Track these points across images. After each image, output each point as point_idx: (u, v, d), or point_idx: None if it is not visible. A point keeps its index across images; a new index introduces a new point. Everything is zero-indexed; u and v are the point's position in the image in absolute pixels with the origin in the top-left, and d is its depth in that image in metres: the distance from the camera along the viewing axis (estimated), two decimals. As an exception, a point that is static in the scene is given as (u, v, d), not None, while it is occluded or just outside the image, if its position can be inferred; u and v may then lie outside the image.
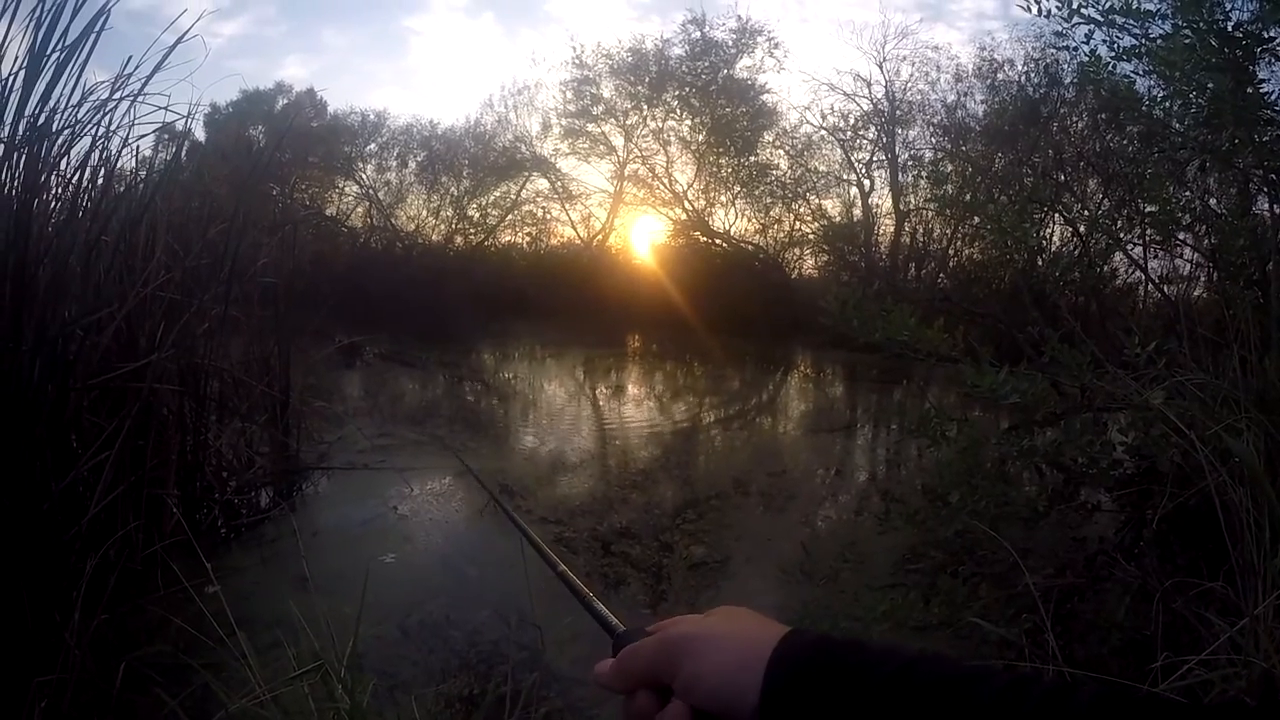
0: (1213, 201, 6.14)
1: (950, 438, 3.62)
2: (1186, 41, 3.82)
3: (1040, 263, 4.65)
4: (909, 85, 20.24)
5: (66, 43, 3.46)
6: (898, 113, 20.17)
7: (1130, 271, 9.83)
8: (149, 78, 3.99)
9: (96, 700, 2.57)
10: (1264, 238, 4.11)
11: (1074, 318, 4.09)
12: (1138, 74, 4.34)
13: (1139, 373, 3.32)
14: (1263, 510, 2.49)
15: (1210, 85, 3.91)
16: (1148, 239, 6.31)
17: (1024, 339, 3.88)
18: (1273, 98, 3.98)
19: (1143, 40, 4.08)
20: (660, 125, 22.06)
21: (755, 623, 0.68)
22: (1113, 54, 4.11)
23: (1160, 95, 4.51)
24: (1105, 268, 10.06)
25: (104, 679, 2.57)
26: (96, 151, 4.01)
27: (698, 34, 21.39)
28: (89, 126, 3.87)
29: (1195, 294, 7.10)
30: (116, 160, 4.20)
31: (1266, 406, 3.15)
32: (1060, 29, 4.63)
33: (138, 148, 4.48)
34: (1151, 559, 2.99)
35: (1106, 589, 3.23)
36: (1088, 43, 4.23)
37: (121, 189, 4.54)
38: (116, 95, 3.95)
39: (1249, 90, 3.81)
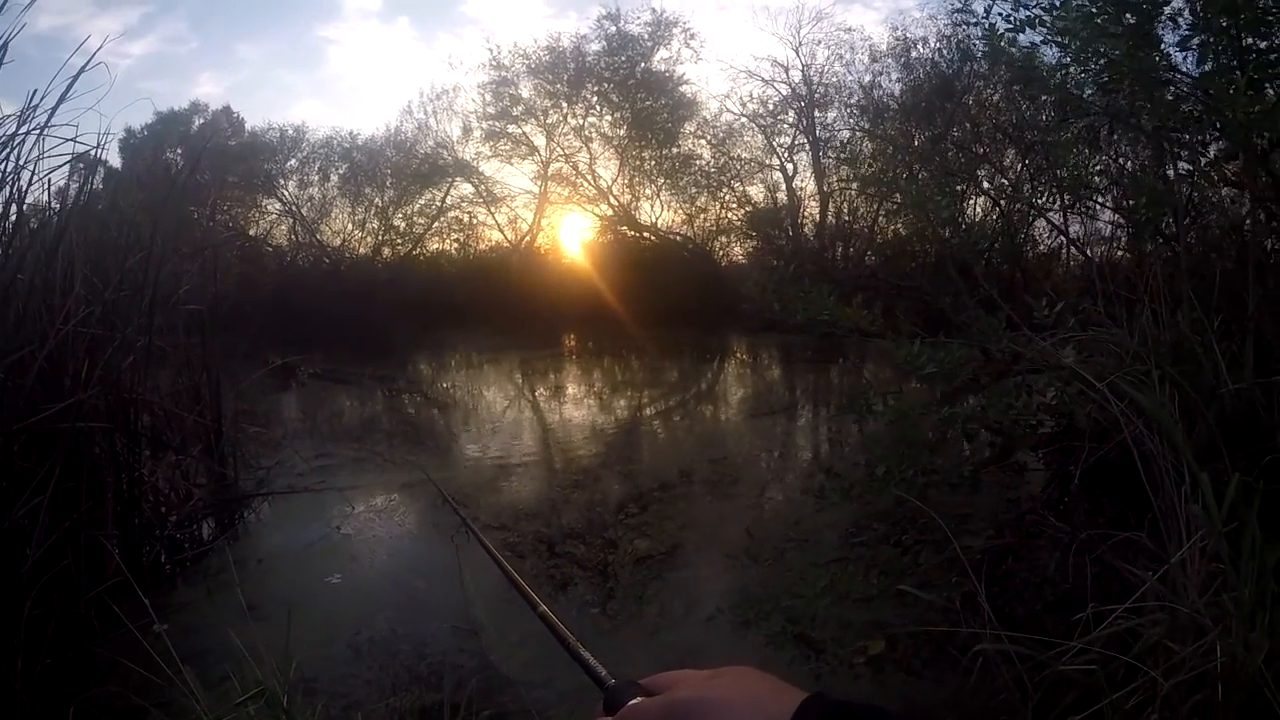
0: (1129, 164, 6.32)
1: (877, 411, 3.70)
2: (1081, 9, 3.94)
3: (958, 235, 4.74)
4: (825, 68, 20.45)
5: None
6: (816, 95, 20.36)
7: (1054, 236, 10.06)
8: (54, 109, 3.95)
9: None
10: (1174, 194, 4.25)
11: (996, 285, 4.19)
12: (1044, 43, 4.45)
13: (1051, 333, 3.42)
14: (1181, 458, 2.58)
15: (1107, 50, 4.02)
16: (1066, 204, 6.47)
17: (945, 308, 3.97)
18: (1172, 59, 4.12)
19: (1044, 11, 4.18)
20: (581, 122, 22.06)
21: (768, 687, 0.63)
22: (1009, 25, 4.21)
23: (1061, 62, 4.63)
24: (1025, 234, 10.31)
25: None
26: (7, 187, 3.95)
27: (613, 29, 21.46)
28: (-3, 163, 3.82)
29: (1119, 254, 7.27)
30: (25, 195, 4.13)
31: (1180, 358, 3.27)
32: (960, 4, 4.75)
33: (49, 180, 4.41)
34: (1079, 514, 3.09)
35: (1040, 546, 3.33)
36: (986, 16, 4.34)
37: (35, 224, 4.46)
38: (22, 130, 3.90)
39: (1144, 53, 3.93)
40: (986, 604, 2.30)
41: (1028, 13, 4.17)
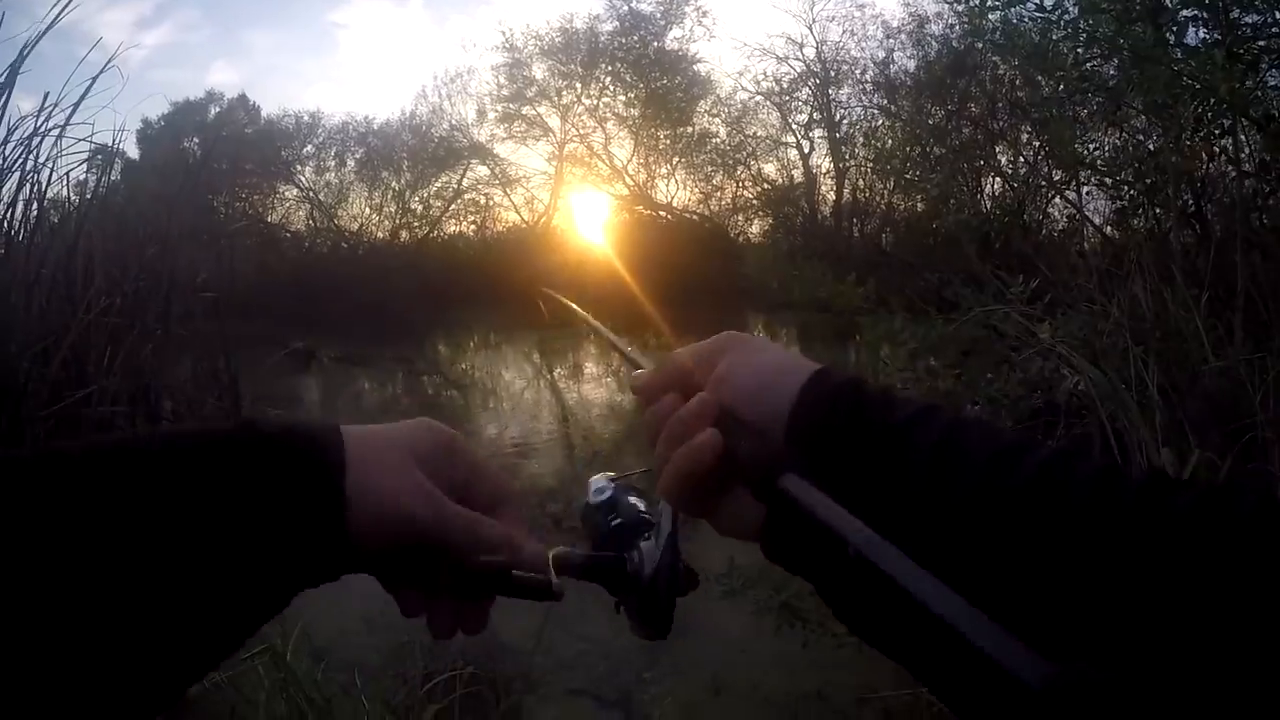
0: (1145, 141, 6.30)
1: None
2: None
3: (956, 212, 4.80)
4: (840, 45, 20.30)
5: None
6: (830, 73, 20.24)
7: (1072, 213, 9.99)
8: (73, 110, 4.08)
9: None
10: (1160, 169, 4.27)
11: (1003, 262, 4.23)
12: (1031, 19, 4.46)
13: (1034, 308, 3.47)
14: (1152, 436, 2.65)
15: (1096, 26, 4.05)
16: (1063, 181, 6.48)
17: (932, 284, 4.03)
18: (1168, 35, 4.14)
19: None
20: (595, 102, 22.03)
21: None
22: (995, 3, 4.23)
23: (1057, 39, 4.64)
24: (1043, 212, 10.27)
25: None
26: (27, 186, 4.09)
27: (625, 8, 21.38)
28: (16, 163, 3.95)
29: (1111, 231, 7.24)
30: (45, 191, 4.27)
31: (1168, 334, 3.32)
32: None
33: (68, 176, 4.55)
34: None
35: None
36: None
37: (56, 219, 4.61)
38: (41, 129, 4.03)
39: (1137, 27, 3.95)
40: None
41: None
